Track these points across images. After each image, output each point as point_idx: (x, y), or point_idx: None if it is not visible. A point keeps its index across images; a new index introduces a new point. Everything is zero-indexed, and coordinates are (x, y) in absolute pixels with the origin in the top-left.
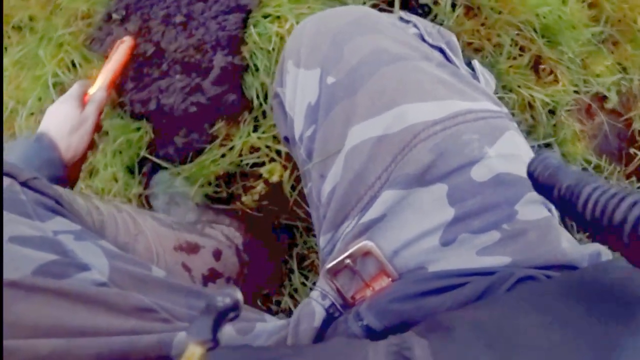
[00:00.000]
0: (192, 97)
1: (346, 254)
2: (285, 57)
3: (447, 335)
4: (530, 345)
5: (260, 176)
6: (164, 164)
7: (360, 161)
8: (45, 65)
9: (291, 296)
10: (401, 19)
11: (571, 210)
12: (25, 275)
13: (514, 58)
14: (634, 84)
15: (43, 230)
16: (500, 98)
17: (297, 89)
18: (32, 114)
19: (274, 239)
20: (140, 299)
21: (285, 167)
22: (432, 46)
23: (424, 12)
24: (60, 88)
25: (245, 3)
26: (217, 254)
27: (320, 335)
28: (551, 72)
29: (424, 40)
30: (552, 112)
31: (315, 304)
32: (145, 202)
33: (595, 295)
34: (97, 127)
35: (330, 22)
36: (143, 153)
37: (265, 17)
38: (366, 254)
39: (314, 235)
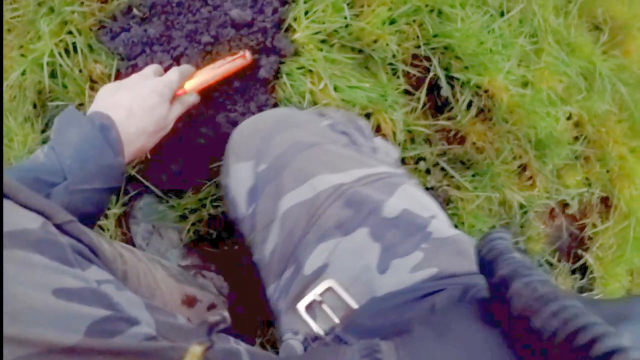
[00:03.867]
0: (202, 128)
1: (315, 290)
2: (228, 154)
3: (407, 335)
4: (466, 337)
5: None
6: (155, 190)
7: (289, 223)
8: (41, 39)
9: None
10: (318, 112)
11: (501, 300)
12: (80, 338)
13: (507, 163)
14: (593, 197)
15: (87, 281)
16: (488, 197)
17: (238, 179)
18: (10, 86)
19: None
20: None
21: None
22: (340, 132)
23: (444, 104)
24: (52, 69)
25: (281, 47)
26: (211, 309)
27: None
28: (531, 177)
29: (334, 129)
30: (524, 211)
31: (291, 342)
32: (125, 224)
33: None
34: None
35: (260, 125)
36: (132, 171)
37: (298, 68)
38: (327, 290)
39: None
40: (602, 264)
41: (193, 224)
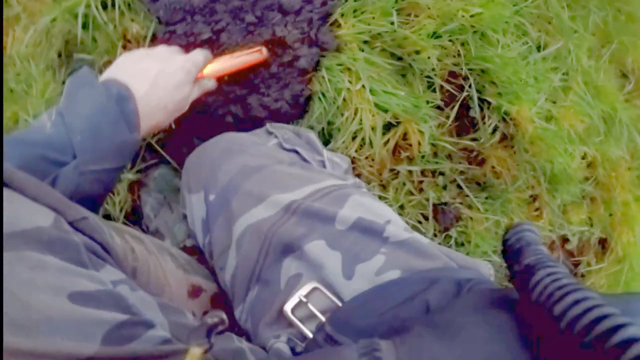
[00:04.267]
0: (232, 106)
1: (300, 292)
2: (182, 186)
3: (406, 334)
4: (469, 336)
5: None
6: (171, 161)
7: (244, 247)
8: None
9: None
10: (267, 130)
11: (524, 287)
12: (97, 348)
13: (520, 191)
14: (593, 236)
15: (102, 282)
16: (496, 220)
17: (193, 210)
18: (36, 31)
19: None
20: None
21: None
22: (288, 150)
23: (471, 124)
24: (84, 21)
25: (324, 40)
26: (214, 300)
27: None
28: (539, 209)
29: (282, 147)
30: None
31: (277, 345)
32: (137, 190)
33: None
34: None
35: (207, 153)
36: (151, 140)
37: (338, 64)
38: (311, 291)
39: None
40: None
41: None
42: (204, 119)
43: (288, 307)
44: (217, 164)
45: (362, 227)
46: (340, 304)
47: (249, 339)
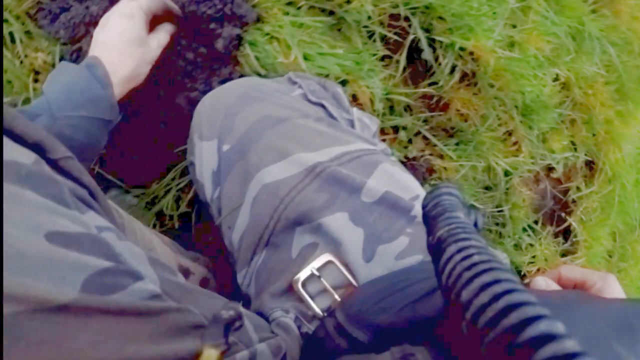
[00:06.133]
0: (162, 112)
1: (313, 264)
2: (192, 131)
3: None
4: None
5: None
6: (117, 182)
7: (258, 208)
8: None
9: None
10: (289, 79)
11: (435, 262)
12: (76, 294)
13: (493, 130)
14: (578, 160)
15: (86, 225)
16: (473, 166)
17: (202, 159)
18: None
19: None
20: (196, 315)
21: None
22: (314, 103)
23: (425, 69)
24: None
25: (241, 14)
26: (204, 283)
27: (305, 348)
28: (516, 143)
29: (307, 99)
30: (508, 178)
31: (283, 319)
32: None
33: None
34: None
35: (223, 99)
36: (95, 168)
37: (263, 36)
38: (326, 264)
39: None
40: (586, 227)
41: (160, 217)
42: (137, 133)
43: (299, 281)
44: (233, 111)
45: (390, 202)
46: (355, 284)
47: (248, 304)
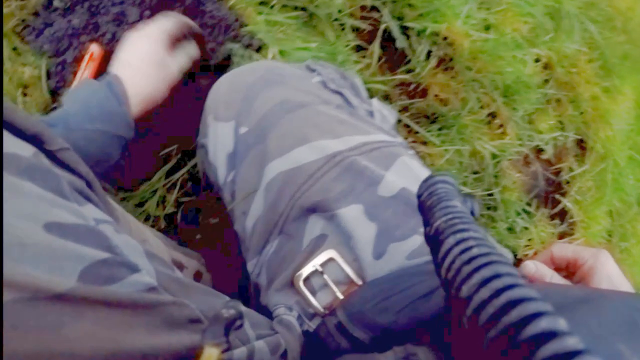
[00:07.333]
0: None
1: (315, 261)
2: (207, 112)
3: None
4: None
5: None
6: (109, 188)
7: (274, 194)
8: None
9: None
10: (308, 67)
11: (434, 255)
12: (73, 284)
13: (474, 113)
14: (568, 140)
15: (84, 217)
16: (457, 150)
17: (217, 140)
18: None
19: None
20: (192, 310)
21: None
22: (333, 91)
23: (400, 57)
24: None
25: (221, 17)
26: (198, 276)
27: (306, 346)
28: (501, 125)
29: (326, 86)
30: (497, 161)
31: (286, 317)
32: None
33: None
34: (176, 88)
35: (242, 80)
36: None
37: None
38: (327, 261)
39: None
40: (582, 207)
41: (148, 219)
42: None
43: (300, 278)
44: (253, 93)
45: (405, 199)
46: (359, 282)
47: (257, 293)
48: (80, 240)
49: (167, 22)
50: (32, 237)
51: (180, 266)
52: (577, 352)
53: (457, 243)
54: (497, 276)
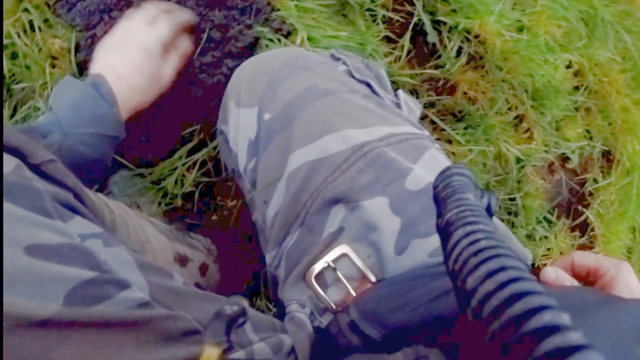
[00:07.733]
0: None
1: (327, 257)
2: (228, 97)
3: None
4: None
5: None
6: (124, 162)
7: (297, 184)
8: None
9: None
10: (332, 56)
11: (443, 247)
12: (58, 308)
13: (502, 114)
14: (595, 150)
15: (69, 235)
16: (482, 151)
17: (239, 127)
18: None
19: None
20: (188, 321)
21: None
22: (359, 81)
23: (430, 51)
24: (12, 51)
25: (259, 8)
26: (203, 269)
27: (317, 343)
28: (528, 129)
29: (352, 76)
30: (520, 166)
31: (298, 314)
32: None
33: None
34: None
35: (265, 65)
36: None
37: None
38: (340, 257)
39: None
40: (604, 221)
41: (166, 196)
42: (146, 113)
43: (312, 273)
44: (277, 79)
45: (431, 195)
46: (372, 278)
47: (275, 286)
48: (65, 260)
49: (164, 30)
50: (13, 262)
51: (185, 260)
52: (580, 347)
53: (466, 235)
54: (502, 269)
